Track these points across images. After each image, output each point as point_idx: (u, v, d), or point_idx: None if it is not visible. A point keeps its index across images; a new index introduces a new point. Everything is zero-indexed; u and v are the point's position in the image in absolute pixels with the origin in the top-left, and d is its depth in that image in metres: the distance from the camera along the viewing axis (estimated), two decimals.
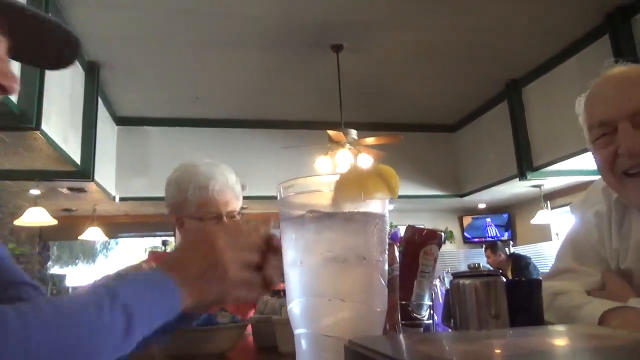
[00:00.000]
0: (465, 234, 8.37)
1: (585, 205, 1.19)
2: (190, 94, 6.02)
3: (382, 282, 0.51)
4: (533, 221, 6.65)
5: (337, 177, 0.53)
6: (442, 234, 0.91)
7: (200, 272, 0.56)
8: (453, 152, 7.62)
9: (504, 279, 0.86)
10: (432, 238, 0.98)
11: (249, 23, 4.59)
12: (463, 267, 7.04)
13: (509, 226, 8.14)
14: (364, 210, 0.52)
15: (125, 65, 5.27)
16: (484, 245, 6.32)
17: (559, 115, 5.24)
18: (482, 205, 8.14)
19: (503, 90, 6.31)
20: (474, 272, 0.83)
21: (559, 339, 0.43)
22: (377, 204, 0.52)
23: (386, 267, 0.54)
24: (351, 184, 0.52)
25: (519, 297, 0.77)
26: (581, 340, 0.43)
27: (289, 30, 4.77)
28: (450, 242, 8.19)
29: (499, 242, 5.53)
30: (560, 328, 0.52)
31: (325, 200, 0.52)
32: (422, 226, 1.17)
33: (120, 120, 6.51)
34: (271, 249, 0.61)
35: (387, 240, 0.56)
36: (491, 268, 5.45)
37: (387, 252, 0.55)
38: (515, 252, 5.63)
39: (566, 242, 1.19)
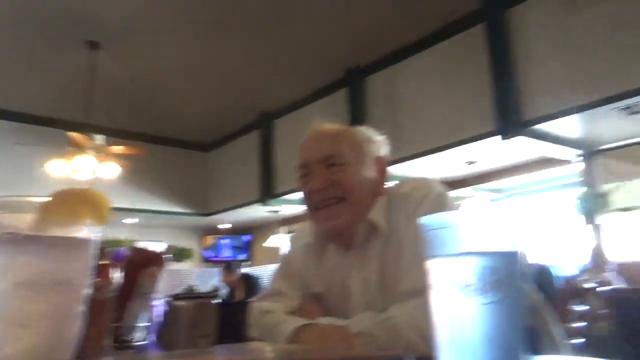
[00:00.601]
0: (207, 252, 8.52)
1: (299, 236, 1.37)
2: None
3: (80, 307, 0.52)
4: (265, 244, 7.24)
5: (45, 200, 0.52)
6: (168, 255, 0.94)
7: None
8: (205, 171, 7.75)
9: (219, 301, 0.93)
10: (154, 259, 1.00)
11: None
12: (199, 285, 7.04)
13: (247, 247, 8.61)
14: (68, 235, 0.52)
15: None
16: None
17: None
18: (226, 226, 8.44)
19: (258, 119, 6.75)
20: (189, 294, 0.88)
21: (226, 356, 0.51)
22: (84, 229, 0.53)
23: (89, 291, 0.54)
24: (58, 208, 0.51)
25: (228, 317, 0.85)
26: (243, 355, 0.52)
27: (37, 16, 4.22)
28: (189, 261, 8.21)
29: (234, 262, 5.84)
30: (240, 346, 0.61)
31: (28, 223, 0.51)
32: (149, 246, 1.18)
33: None
34: None
35: (94, 264, 0.56)
36: (226, 287, 5.68)
37: (92, 276, 0.56)
38: (246, 272, 6.05)
39: (279, 267, 1.36)
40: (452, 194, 1.20)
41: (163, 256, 1.00)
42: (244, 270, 6.34)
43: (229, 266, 5.38)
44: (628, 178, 5.00)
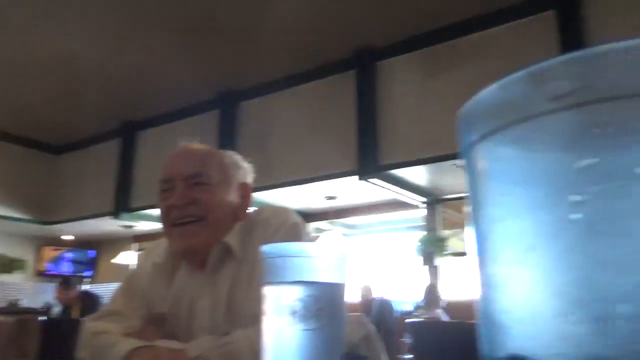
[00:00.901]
0: (44, 265, 7.68)
1: (148, 255, 1.33)
2: None
3: None
4: (114, 260, 6.77)
5: None
6: None
7: None
8: (51, 175, 7.05)
9: (44, 318, 0.87)
10: None
11: None
12: (29, 301, 6.34)
13: (92, 262, 7.96)
14: None
15: None
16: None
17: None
18: (69, 237, 7.71)
19: (120, 127, 6.37)
20: (11, 309, 0.81)
21: None
22: None
23: None
24: None
25: (54, 335, 0.79)
26: None
27: None
28: (21, 273, 7.32)
29: (73, 278, 5.33)
30: None
31: None
32: None
33: None
34: None
35: None
36: (60, 304, 5.15)
37: None
38: (86, 289, 5.59)
39: (122, 285, 1.30)
40: (310, 226, 1.27)
41: None
42: (84, 287, 5.83)
43: (66, 282, 4.88)
44: (462, 227, 5.64)
